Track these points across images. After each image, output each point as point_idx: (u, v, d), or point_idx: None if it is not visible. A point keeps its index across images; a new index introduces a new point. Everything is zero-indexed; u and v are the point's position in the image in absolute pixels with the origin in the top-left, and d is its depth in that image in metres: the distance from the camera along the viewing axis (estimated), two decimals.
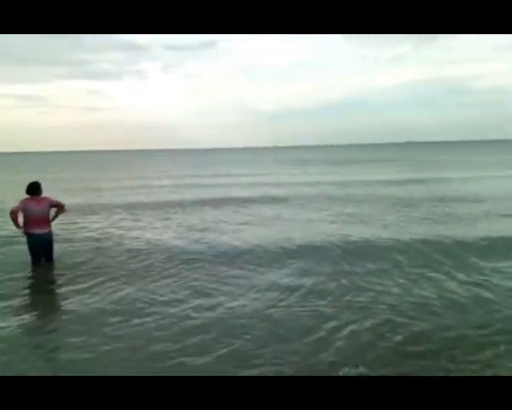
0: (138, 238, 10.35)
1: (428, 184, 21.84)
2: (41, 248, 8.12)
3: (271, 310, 5.69)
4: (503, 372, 4.08)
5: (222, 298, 6.16)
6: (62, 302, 6.36)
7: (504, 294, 6.12)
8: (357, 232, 10.33)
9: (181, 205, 16.39)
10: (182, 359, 4.44)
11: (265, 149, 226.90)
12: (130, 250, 9.13)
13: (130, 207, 15.71)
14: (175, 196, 19.29)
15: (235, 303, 5.95)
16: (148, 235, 10.73)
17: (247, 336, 4.92)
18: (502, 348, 4.55)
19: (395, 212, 13.50)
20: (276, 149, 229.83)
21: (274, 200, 16.98)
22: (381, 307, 5.75)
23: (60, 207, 8.33)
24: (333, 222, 12.09)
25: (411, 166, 38.50)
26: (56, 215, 8.36)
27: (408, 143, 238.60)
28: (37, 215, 7.91)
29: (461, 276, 6.96)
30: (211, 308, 5.76)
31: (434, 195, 17.11)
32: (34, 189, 8.07)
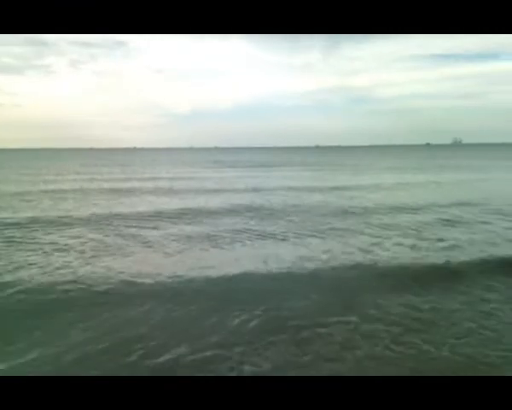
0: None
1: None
2: None
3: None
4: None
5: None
6: None
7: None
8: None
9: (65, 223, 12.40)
10: None
11: (182, 149, 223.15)
12: None
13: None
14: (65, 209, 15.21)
15: None
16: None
17: None
18: None
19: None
20: (192, 149, 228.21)
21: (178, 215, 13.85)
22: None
23: None
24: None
25: (325, 170, 38.36)
26: None
27: (317, 148, 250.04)
28: None
29: None
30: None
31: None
32: None
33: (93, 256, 8.51)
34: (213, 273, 7.37)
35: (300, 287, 6.78)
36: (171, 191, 20.83)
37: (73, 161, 60.35)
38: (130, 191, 20.73)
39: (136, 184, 24.27)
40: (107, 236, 10.47)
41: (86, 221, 12.53)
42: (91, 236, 10.45)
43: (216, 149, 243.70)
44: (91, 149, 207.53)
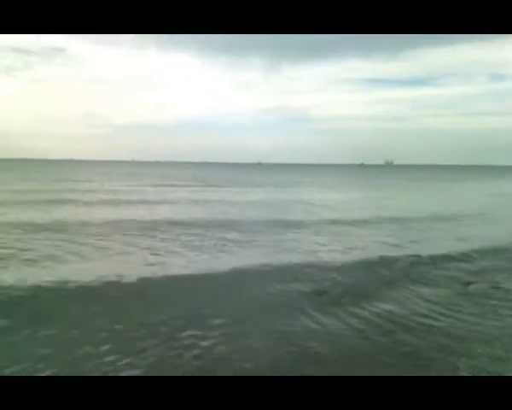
0: None
1: None
2: None
3: None
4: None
5: None
6: None
7: None
8: None
9: None
10: None
11: (123, 162, 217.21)
12: None
13: None
14: None
15: None
16: None
17: None
18: None
19: None
20: (134, 163, 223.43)
21: None
22: None
23: None
24: None
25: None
26: None
27: (259, 164, 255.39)
28: None
29: None
30: None
31: None
32: None
33: None
34: None
35: None
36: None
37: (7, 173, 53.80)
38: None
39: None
40: None
41: None
42: None
43: (158, 163, 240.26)
44: (25, 160, 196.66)
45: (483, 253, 11.32)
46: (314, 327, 6.14)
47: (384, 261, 10.20)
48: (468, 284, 8.50)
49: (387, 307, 7.06)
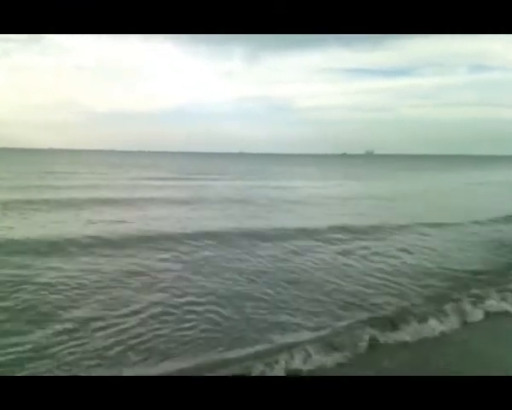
0: None
1: None
2: None
3: None
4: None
5: None
6: None
7: None
8: None
9: None
10: None
11: (104, 152, 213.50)
12: None
13: None
14: None
15: None
16: None
17: None
18: None
19: None
20: (114, 152, 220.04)
21: None
22: None
23: None
24: None
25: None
26: None
27: (241, 154, 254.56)
28: None
29: None
30: None
31: None
32: None
33: None
34: None
35: None
36: None
37: None
38: None
39: None
40: None
41: None
42: None
43: (140, 152, 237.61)
44: (7, 149, 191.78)
45: None
46: None
47: None
48: None
49: None
